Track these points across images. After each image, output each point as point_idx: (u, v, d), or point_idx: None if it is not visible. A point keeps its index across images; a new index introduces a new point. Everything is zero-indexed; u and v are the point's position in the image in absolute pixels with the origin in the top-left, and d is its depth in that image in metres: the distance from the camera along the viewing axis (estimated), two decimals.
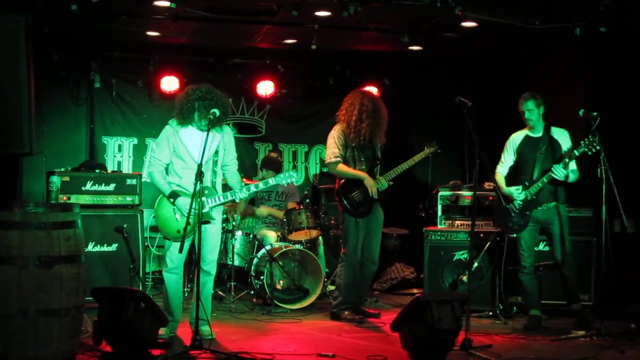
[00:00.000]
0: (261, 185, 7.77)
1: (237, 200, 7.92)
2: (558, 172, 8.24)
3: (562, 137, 8.59)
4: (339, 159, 8.89)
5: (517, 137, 8.73)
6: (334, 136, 8.95)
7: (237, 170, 7.97)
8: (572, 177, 8.34)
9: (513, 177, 8.70)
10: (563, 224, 8.47)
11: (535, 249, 8.77)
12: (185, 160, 7.54)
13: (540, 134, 8.58)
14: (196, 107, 7.46)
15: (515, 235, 8.62)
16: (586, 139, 8.07)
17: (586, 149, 8.05)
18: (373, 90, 12.06)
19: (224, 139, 7.69)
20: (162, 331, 7.35)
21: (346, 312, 8.98)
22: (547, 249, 8.89)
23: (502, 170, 8.76)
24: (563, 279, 8.51)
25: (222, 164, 7.72)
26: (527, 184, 8.44)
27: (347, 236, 9.01)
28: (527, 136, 8.65)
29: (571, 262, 8.48)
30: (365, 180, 8.84)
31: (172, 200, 7.49)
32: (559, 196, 8.50)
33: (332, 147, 8.93)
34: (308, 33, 10.11)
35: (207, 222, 7.50)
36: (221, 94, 7.62)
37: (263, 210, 10.84)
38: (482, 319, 9.09)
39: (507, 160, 8.75)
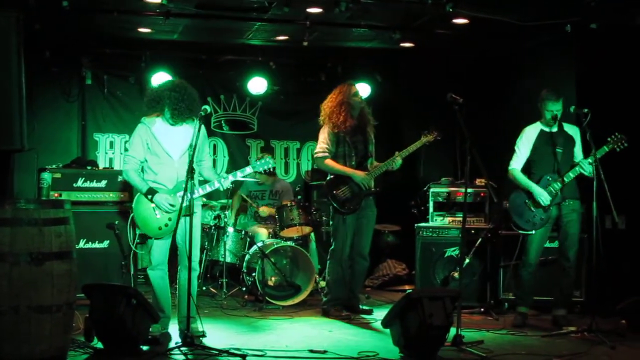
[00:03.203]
0: (239, 174, 7.78)
1: (222, 189, 7.89)
2: (587, 167, 8.22)
3: (574, 133, 8.57)
4: (326, 153, 8.95)
5: (532, 132, 8.62)
6: (325, 131, 9.01)
7: (212, 166, 7.94)
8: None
9: (523, 171, 8.63)
10: (580, 224, 8.52)
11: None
12: (159, 156, 7.51)
13: (555, 129, 8.52)
14: (165, 97, 7.45)
15: (533, 231, 8.51)
16: (613, 136, 8.12)
17: (614, 146, 8.11)
18: (365, 86, 12.08)
19: (198, 134, 7.67)
20: (153, 328, 7.35)
21: (334, 309, 9.01)
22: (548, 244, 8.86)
23: (517, 165, 8.62)
24: (567, 279, 8.51)
25: (197, 160, 7.67)
26: (549, 179, 8.41)
27: (335, 232, 9.06)
28: (542, 131, 8.56)
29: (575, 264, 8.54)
30: (354, 176, 8.87)
31: (150, 197, 7.43)
32: (579, 193, 8.53)
33: (322, 142, 9.00)
34: (300, 30, 10.12)
35: (188, 215, 7.45)
36: (190, 87, 7.62)
37: (265, 210, 10.83)
38: (473, 314, 9.12)
39: (523, 154, 8.61)
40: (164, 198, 7.37)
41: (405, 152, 8.88)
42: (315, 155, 9.14)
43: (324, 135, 9.01)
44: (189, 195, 7.27)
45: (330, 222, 9.20)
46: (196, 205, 7.60)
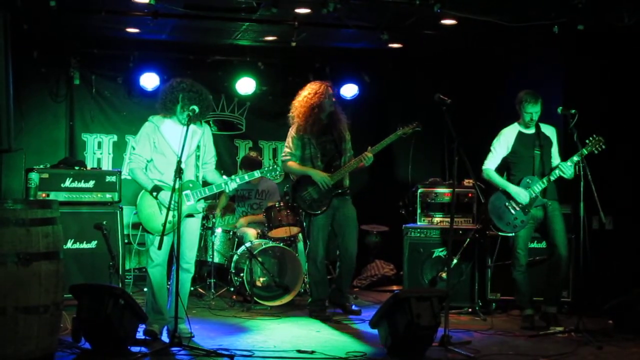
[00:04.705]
0: (246, 177, 7.76)
1: (227, 191, 7.92)
2: (567, 170, 8.26)
3: (551, 134, 8.60)
4: (288, 157, 8.98)
5: (510, 133, 8.64)
6: (290, 135, 9.04)
7: (216, 168, 7.95)
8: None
9: (500, 172, 8.66)
10: (564, 221, 8.54)
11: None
12: (166, 156, 7.47)
13: (533, 131, 8.55)
14: (180, 98, 7.43)
15: (513, 233, 8.57)
16: (592, 138, 8.16)
17: (593, 148, 8.15)
18: (353, 87, 12.10)
19: (204, 136, 7.66)
20: (156, 328, 7.42)
21: (316, 309, 9.00)
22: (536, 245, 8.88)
23: (492, 165, 8.64)
24: (557, 276, 8.48)
25: (202, 162, 7.68)
26: (529, 181, 8.42)
27: (308, 234, 9.09)
28: (520, 132, 8.58)
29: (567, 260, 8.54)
30: (313, 175, 8.85)
31: (155, 194, 7.40)
32: (557, 193, 8.55)
33: (286, 146, 9.06)
34: (288, 30, 10.12)
35: (192, 216, 7.50)
36: (204, 89, 7.61)
37: (242, 221, 10.82)
38: (461, 315, 9.14)
39: (499, 154, 8.63)
40: (169, 196, 7.32)
41: (378, 147, 8.87)
42: (281, 159, 9.16)
43: (289, 139, 9.04)
44: (193, 196, 7.43)
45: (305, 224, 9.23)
46: (199, 206, 7.60)
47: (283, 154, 9.09)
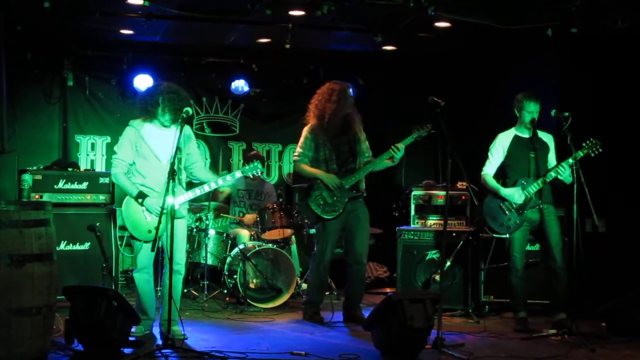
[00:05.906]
0: (228, 178, 7.77)
1: (221, 189, 7.89)
2: (563, 172, 8.26)
3: (549, 140, 8.63)
4: (299, 157, 8.72)
5: (505, 137, 8.66)
6: (304, 135, 8.78)
7: (205, 166, 7.94)
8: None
9: (498, 177, 8.68)
10: (559, 225, 8.55)
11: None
12: (148, 159, 7.49)
13: (529, 135, 8.55)
14: (160, 101, 7.46)
15: (507, 236, 8.56)
16: (588, 141, 8.18)
17: (589, 151, 8.18)
18: None
19: (184, 137, 7.63)
20: (136, 329, 7.37)
21: (310, 312, 8.91)
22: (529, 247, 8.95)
23: (490, 170, 8.65)
24: (558, 282, 8.46)
25: (190, 162, 7.71)
26: (524, 183, 8.43)
27: (317, 237, 8.89)
28: (516, 136, 8.60)
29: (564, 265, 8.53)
30: (324, 178, 8.60)
31: (140, 200, 7.42)
32: (552, 197, 8.56)
33: (299, 146, 8.78)
34: (282, 32, 10.12)
35: (177, 218, 7.48)
36: (182, 89, 7.66)
37: (249, 217, 10.77)
38: (454, 317, 9.14)
39: (497, 159, 8.64)
40: (155, 202, 7.32)
41: (405, 142, 8.59)
42: (293, 159, 8.97)
43: (302, 139, 8.77)
44: (193, 199, 7.39)
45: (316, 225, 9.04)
46: (183, 209, 7.60)
47: (295, 154, 8.82)
